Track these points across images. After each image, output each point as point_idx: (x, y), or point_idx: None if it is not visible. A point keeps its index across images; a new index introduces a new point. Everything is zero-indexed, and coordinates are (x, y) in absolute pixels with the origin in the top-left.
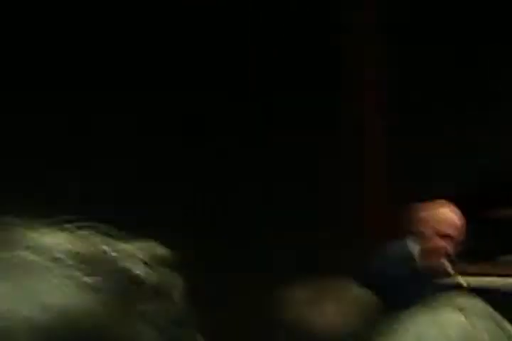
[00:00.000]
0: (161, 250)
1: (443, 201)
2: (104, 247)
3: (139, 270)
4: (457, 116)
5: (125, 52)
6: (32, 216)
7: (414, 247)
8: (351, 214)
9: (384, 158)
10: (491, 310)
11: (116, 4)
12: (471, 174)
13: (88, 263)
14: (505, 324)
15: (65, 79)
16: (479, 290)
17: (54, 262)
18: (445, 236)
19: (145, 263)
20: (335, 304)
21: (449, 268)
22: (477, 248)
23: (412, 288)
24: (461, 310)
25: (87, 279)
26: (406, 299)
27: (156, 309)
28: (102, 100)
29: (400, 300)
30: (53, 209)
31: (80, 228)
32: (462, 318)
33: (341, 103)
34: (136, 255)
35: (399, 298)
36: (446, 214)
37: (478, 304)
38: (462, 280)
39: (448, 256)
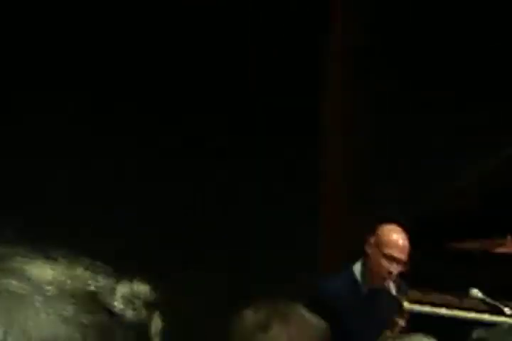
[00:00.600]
0: (141, 287)
1: (392, 224)
2: (89, 282)
3: (119, 306)
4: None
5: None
6: (28, 247)
7: (363, 269)
8: (307, 237)
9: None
10: None
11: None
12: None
13: (72, 296)
14: None
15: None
16: (421, 316)
17: (40, 293)
18: (390, 258)
19: (125, 299)
20: (284, 328)
21: (393, 290)
22: (434, 278)
23: (358, 312)
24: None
25: (69, 311)
26: (353, 322)
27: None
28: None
29: (348, 323)
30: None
31: (68, 261)
32: None
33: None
34: (117, 291)
35: (346, 321)
36: (392, 236)
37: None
38: (406, 303)
39: (393, 278)
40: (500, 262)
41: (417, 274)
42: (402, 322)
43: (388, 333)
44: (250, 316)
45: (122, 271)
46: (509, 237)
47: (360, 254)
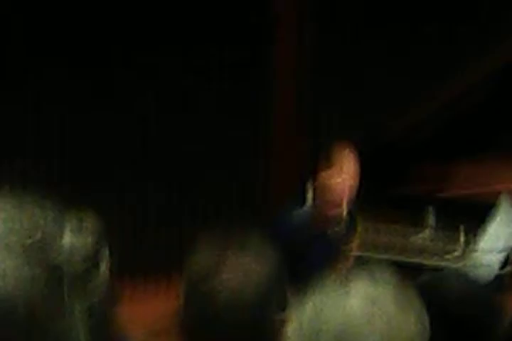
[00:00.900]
0: (89, 219)
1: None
2: (40, 218)
3: (67, 238)
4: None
5: None
6: None
7: (311, 210)
8: (260, 181)
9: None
10: (396, 278)
11: None
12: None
13: (24, 229)
14: (411, 292)
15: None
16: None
17: None
18: (340, 185)
19: (73, 231)
20: (240, 257)
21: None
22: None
23: (312, 253)
24: (367, 277)
25: (21, 245)
26: (307, 264)
27: (83, 278)
28: None
29: (301, 265)
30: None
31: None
32: (368, 286)
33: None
34: (65, 223)
35: (299, 263)
36: (341, 163)
37: (385, 273)
38: (356, 244)
39: (342, 220)
40: (445, 205)
41: (367, 217)
42: (347, 262)
43: (335, 272)
44: (205, 247)
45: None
46: (456, 180)
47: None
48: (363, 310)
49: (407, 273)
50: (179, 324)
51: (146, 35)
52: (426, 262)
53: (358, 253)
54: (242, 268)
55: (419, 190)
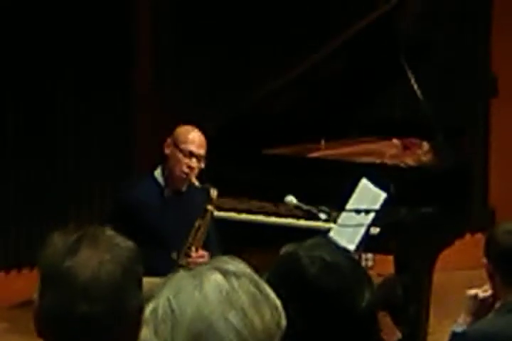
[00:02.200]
0: None
1: (188, 125)
2: None
3: None
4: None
5: None
6: None
7: (165, 173)
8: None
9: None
10: (249, 270)
11: None
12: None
13: None
14: (263, 285)
15: None
16: (238, 225)
17: None
18: (188, 154)
19: None
20: (93, 250)
21: (197, 183)
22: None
23: (164, 216)
24: (220, 270)
25: None
26: (159, 227)
27: None
28: None
29: (154, 228)
30: None
31: None
32: (221, 278)
33: None
34: None
35: (152, 226)
36: (187, 133)
37: (238, 265)
38: (213, 193)
39: (193, 173)
40: (314, 167)
41: (232, 182)
42: (204, 223)
43: (192, 236)
44: (57, 240)
45: None
46: (323, 142)
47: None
48: (216, 301)
49: (279, 236)
50: (35, 318)
51: None
52: (298, 224)
53: (231, 217)
54: (95, 260)
55: (286, 153)
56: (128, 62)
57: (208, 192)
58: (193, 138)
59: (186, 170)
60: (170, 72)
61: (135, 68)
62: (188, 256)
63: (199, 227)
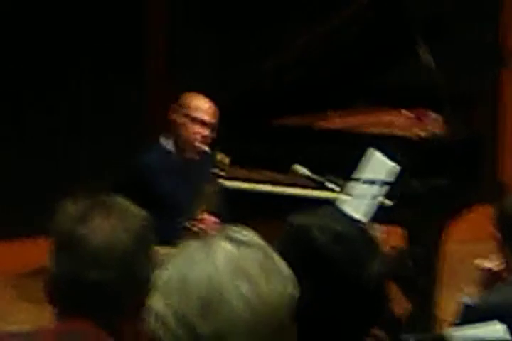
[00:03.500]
0: None
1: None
2: None
3: None
4: None
5: None
6: None
7: (174, 139)
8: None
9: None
10: (260, 240)
11: None
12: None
13: None
14: (274, 255)
15: None
16: (248, 195)
17: None
18: (198, 122)
19: None
20: (105, 218)
21: (209, 151)
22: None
23: (174, 183)
24: (230, 239)
25: None
26: (170, 194)
27: None
28: None
29: (165, 195)
30: None
31: None
32: (231, 247)
33: None
34: None
35: (164, 193)
36: (197, 100)
37: (249, 235)
38: (221, 158)
39: (205, 142)
40: (323, 138)
41: (240, 153)
42: (212, 186)
43: (203, 201)
44: (69, 208)
45: None
46: (329, 111)
47: None
48: (226, 270)
49: (288, 205)
50: (47, 284)
51: None
52: (306, 193)
53: (240, 187)
54: (107, 227)
55: (294, 123)
56: (140, 47)
57: (214, 157)
58: (203, 106)
59: (200, 139)
60: (183, 55)
61: (148, 53)
62: (198, 221)
63: (208, 192)
